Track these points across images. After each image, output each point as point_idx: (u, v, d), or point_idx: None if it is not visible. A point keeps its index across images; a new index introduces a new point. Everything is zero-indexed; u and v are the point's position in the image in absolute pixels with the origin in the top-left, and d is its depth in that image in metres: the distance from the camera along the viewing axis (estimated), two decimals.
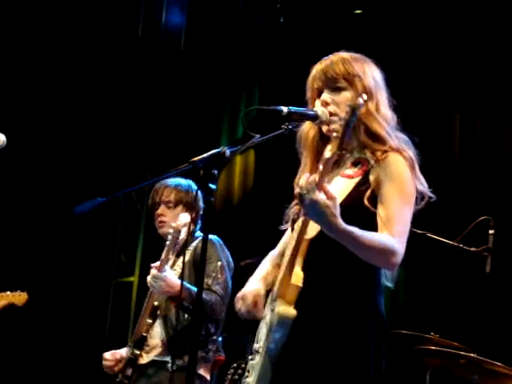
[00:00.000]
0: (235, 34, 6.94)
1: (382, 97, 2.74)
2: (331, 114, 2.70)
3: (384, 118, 2.70)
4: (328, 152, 2.44)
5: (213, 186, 2.43)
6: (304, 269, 2.60)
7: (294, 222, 2.73)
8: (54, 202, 6.67)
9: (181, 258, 4.23)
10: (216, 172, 2.44)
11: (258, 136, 2.60)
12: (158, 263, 4.03)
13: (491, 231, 4.00)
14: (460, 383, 4.32)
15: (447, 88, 5.97)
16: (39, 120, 6.91)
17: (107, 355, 4.27)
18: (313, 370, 2.57)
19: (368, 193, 2.60)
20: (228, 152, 2.47)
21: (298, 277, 2.58)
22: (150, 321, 4.14)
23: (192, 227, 4.27)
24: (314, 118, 2.69)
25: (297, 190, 2.47)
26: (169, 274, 4.00)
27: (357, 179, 2.67)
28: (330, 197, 2.41)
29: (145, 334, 4.15)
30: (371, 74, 2.75)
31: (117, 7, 7.06)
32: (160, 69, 7.16)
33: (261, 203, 6.29)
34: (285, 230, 2.87)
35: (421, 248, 4.26)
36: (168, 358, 4.06)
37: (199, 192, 3.74)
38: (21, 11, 6.79)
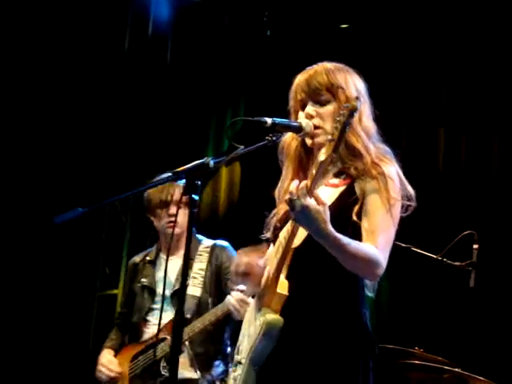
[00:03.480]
0: (221, 47, 6.94)
1: (365, 108, 2.75)
2: (316, 127, 2.70)
3: (365, 129, 2.70)
4: (322, 155, 2.43)
5: (196, 197, 2.42)
6: (288, 277, 2.59)
7: (275, 230, 2.73)
8: (36, 212, 6.63)
9: (196, 265, 4.22)
10: (199, 183, 2.44)
11: (242, 147, 2.60)
12: (242, 286, 3.93)
13: (475, 246, 4.00)
14: None
15: (432, 102, 5.99)
16: (22, 129, 6.89)
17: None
18: (298, 382, 2.55)
19: (356, 208, 2.61)
20: (212, 163, 2.47)
21: (283, 285, 2.57)
22: None
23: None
24: (298, 129, 2.69)
25: (287, 196, 2.45)
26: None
27: (342, 188, 2.68)
28: (320, 203, 2.41)
29: None
30: (354, 85, 2.75)
31: (103, 20, 7.05)
32: (146, 81, 7.15)
33: (246, 215, 6.28)
34: (266, 239, 2.86)
35: (405, 262, 4.26)
36: (196, 376, 4.06)
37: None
38: (6, 19, 6.78)
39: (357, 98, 2.47)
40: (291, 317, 2.58)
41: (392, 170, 2.66)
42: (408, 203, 2.69)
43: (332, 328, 2.58)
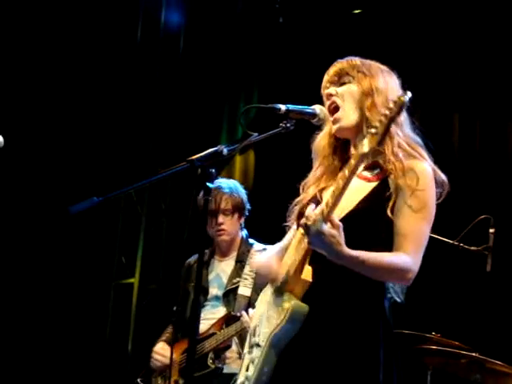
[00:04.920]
0: (234, 34, 6.93)
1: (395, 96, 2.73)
2: (336, 108, 2.68)
3: None
4: (365, 146, 2.35)
5: (210, 185, 2.42)
6: (311, 264, 2.59)
7: (300, 216, 2.68)
8: (52, 202, 6.65)
9: (247, 268, 4.35)
10: (214, 170, 2.44)
11: (256, 134, 2.59)
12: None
13: (491, 230, 4.00)
14: (461, 383, 4.31)
15: (446, 87, 5.96)
16: (38, 120, 6.90)
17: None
18: (320, 368, 2.54)
19: (391, 203, 2.58)
20: (225, 150, 2.47)
21: (308, 272, 2.57)
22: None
23: (241, 232, 4.49)
24: (312, 115, 2.69)
25: (303, 221, 2.46)
26: None
27: (374, 183, 2.64)
28: (335, 226, 2.41)
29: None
30: (382, 76, 2.75)
31: (116, 10, 7.05)
32: (159, 70, 7.15)
33: (261, 203, 6.28)
34: (287, 227, 2.86)
35: None
36: None
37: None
38: (20, 13, 6.79)
39: (405, 93, 2.37)
40: (313, 304, 2.57)
41: (419, 164, 2.63)
42: (441, 191, 2.68)
43: (353, 316, 2.56)
